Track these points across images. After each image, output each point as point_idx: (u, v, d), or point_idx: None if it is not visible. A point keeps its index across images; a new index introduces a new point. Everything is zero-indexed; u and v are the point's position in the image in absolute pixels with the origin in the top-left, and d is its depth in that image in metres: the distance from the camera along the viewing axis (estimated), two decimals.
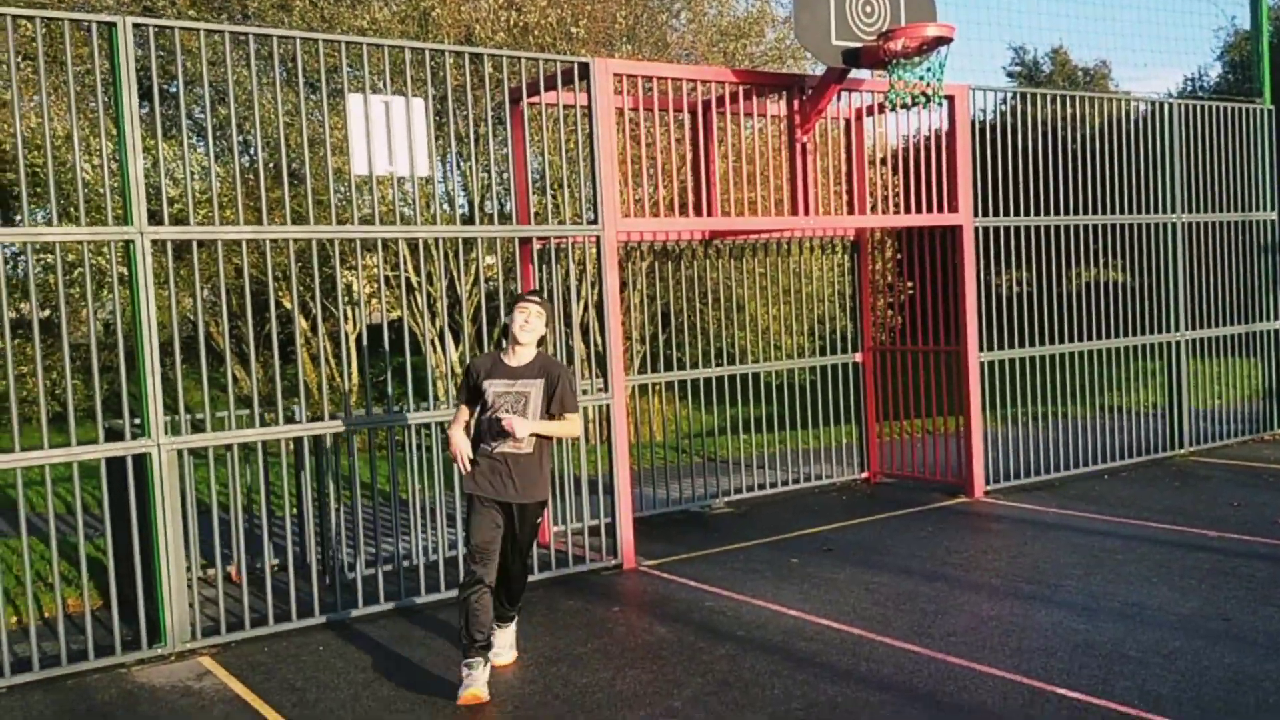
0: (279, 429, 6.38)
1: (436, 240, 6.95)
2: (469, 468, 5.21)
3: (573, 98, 7.45)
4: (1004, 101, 14.81)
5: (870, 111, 9.48)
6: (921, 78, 7.75)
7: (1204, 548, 7.33)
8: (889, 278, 11.18)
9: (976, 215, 9.35)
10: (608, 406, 7.53)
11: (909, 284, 10.11)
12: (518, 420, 5.08)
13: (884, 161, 10.81)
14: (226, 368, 8.47)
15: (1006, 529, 8.21)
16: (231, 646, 6.09)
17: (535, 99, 7.78)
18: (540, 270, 7.92)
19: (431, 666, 5.64)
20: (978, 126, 9.39)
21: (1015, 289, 9.91)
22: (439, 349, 14.16)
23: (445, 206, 11.53)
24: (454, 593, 6.82)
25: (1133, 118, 10.69)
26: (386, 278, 14.33)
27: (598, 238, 7.46)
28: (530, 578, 7.13)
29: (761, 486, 9.78)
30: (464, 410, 5.43)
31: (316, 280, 6.76)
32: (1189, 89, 24.32)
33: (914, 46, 7.83)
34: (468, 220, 13.77)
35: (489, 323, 7.17)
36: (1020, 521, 8.40)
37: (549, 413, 5.26)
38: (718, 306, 11.38)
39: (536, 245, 7.91)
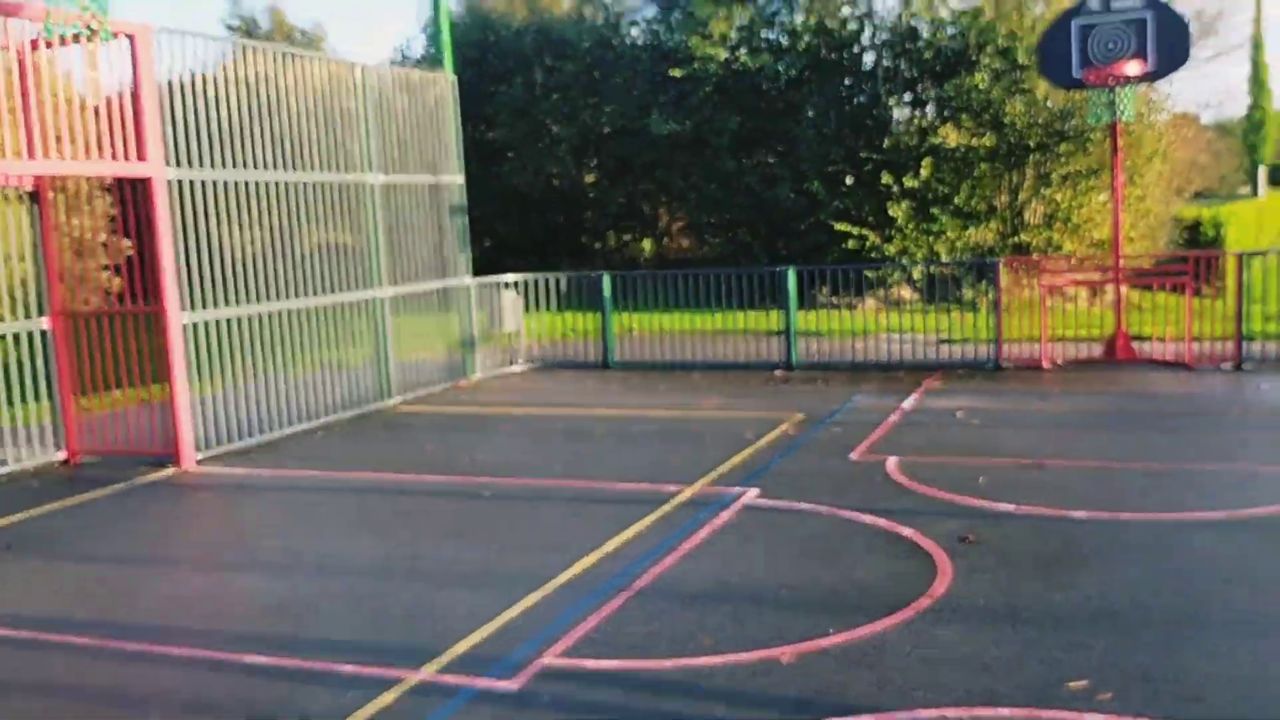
0: None
1: None
2: None
3: None
4: (225, 55, 14.25)
5: (37, 45, 8.32)
6: (85, 9, 6.96)
7: (403, 491, 7.78)
8: (103, 235, 10.10)
9: (172, 166, 8.78)
10: None
11: (129, 242, 9.21)
12: None
13: (72, 103, 9.68)
14: None
15: (214, 497, 7.92)
16: None
17: None
18: None
19: None
20: (182, 76, 8.81)
21: (250, 248, 9.55)
22: None
23: None
24: None
25: (333, 80, 10.90)
26: None
27: None
28: None
29: None
30: None
31: None
32: (399, 58, 25.83)
33: None
34: None
35: None
36: (230, 487, 8.15)
37: None
38: None
39: None
